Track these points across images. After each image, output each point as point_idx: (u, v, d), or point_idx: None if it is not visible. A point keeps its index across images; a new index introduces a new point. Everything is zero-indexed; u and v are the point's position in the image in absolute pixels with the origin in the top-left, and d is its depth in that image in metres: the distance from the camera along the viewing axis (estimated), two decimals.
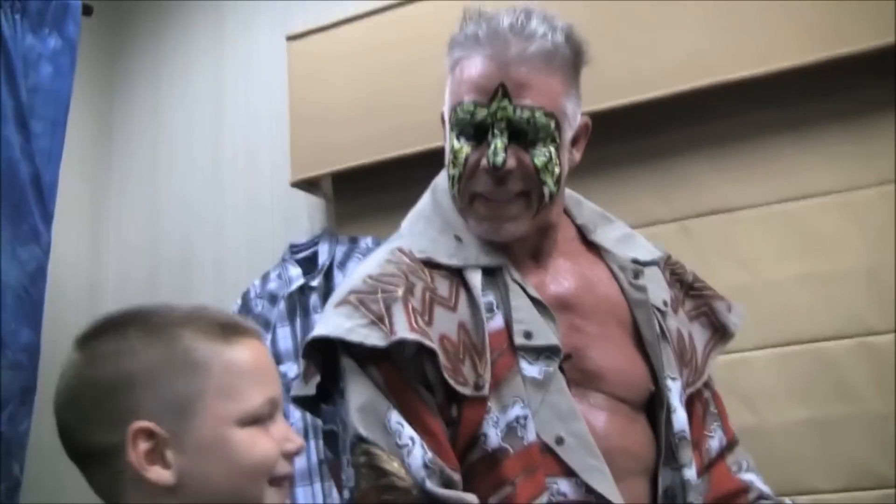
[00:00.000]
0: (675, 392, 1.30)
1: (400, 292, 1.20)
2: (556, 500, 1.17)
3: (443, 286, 1.24)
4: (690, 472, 1.27)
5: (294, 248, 2.68)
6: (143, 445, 0.91)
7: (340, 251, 2.59)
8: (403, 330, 1.16)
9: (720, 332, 1.43)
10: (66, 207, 2.73)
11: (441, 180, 1.36)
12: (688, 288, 1.45)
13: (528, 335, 1.22)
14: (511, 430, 1.18)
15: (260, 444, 0.97)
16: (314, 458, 2.48)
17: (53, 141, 2.43)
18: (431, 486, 1.12)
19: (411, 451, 1.13)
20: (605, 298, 1.33)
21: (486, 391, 1.18)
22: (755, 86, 2.10)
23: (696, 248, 2.12)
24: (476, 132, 1.23)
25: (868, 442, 1.96)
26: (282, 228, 2.87)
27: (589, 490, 1.17)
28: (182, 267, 3.04)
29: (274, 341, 2.59)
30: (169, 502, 0.93)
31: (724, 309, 1.44)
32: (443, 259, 1.27)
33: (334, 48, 2.61)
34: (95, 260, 3.14)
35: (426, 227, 1.32)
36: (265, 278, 2.68)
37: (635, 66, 2.15)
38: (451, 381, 1.17)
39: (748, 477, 1.39)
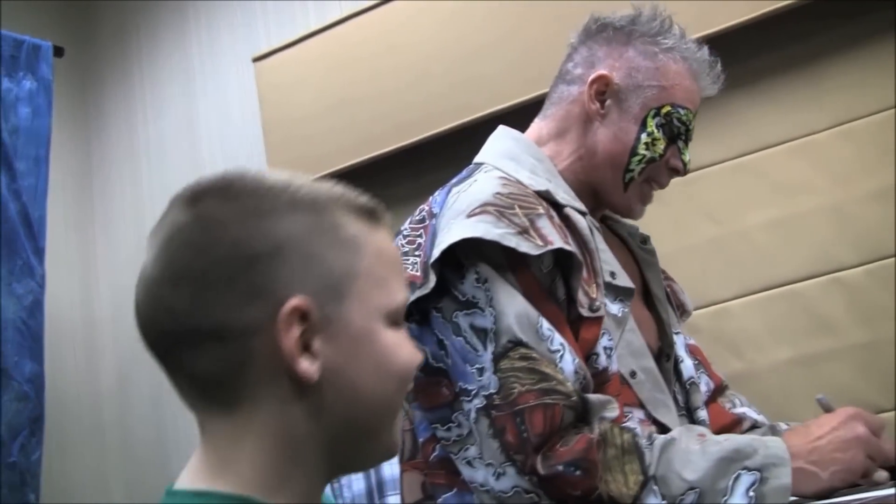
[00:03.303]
0: (679, 344, 1.40)
1: (542, 209, 1.22)
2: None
3: (553, 215, 1.27)
4: (703, 414, 1.36)
5: None
6: (297, 329, 0.73)
7: None
8: (559, 241, 1.18)
9: (680, 311, 1.52)
10: (55, 243, 2.77)
11: (517, 134, 1.41)
12: None
13: (612, 275, 1.28)
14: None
15: (406, 347, 0.81)
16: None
17: (38, 178, 2.49)
18: (584, 393, 1.15)
19: (563, 356, 1.14)
20: (624, 257, 1.41)
21: (601, 312, 1.22)
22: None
23: (668, 211, 2.16)
24: (676, 135, 1.36)
25: (852, 372, 2.01)
26: None
27: (655, 422, 1.23)
28: None
29: None
30: (296, 406, 0.75)
31: (680, 291, 1.54)
32: (549, 193, 1.29)
33: (299, 63, 2.67)
34: (88, 293, 3.17)
35: (517, 167, 1.33)
36: None
37: None
38: (581, 298, 1.21)
39: (741, 410, 1.47)
